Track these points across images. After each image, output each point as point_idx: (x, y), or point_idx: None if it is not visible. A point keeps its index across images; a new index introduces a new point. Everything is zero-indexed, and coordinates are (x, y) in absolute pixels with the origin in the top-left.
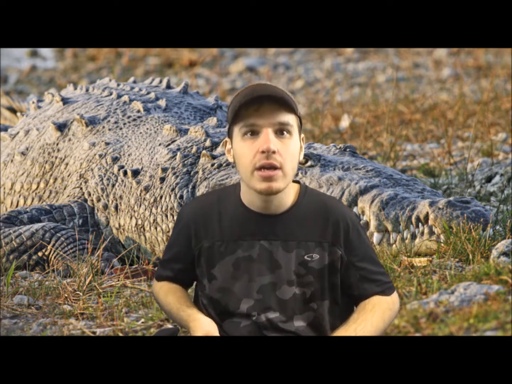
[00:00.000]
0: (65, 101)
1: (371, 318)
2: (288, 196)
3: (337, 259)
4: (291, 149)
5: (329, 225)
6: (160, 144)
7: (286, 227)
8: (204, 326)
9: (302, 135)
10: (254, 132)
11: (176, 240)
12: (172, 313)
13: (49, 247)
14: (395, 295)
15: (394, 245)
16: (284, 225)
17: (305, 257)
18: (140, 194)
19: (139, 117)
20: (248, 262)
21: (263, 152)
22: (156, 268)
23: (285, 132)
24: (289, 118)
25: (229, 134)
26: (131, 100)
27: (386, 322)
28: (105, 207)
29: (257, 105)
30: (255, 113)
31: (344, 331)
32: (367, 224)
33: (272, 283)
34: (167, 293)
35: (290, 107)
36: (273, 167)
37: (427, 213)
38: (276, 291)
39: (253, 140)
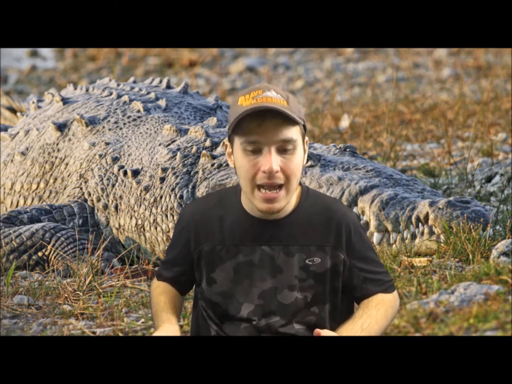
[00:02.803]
0: (65, 101)
1: (376, 315)
2: (290, 200)
3: (339, 262)
4: (294, 164)
5: (331, 229)
6: (160, 144)
7: (288, 232)
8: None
9: (306, 139)
10: (256, 150)
11: (177, 241)
12: (154, 311)
13: (49, 247)
14: (395, 293)
15: (394, 245)
16: (285, 230)
17: (306, 261)
18: (140, 194)
19: (139, 117)
20: (249, 267)
21: (265, 172)
22: (156, 268)
23: (288, 149)
24: (293, 133)
25: (230, 140)
26: (131, 100)
27: (389, 319)
28: (105, 207)
29: (260, 120)
30: (258, 129)
31: (351, 326)
32: (367, 224)
33: (273, 288)
34: (162, 292)
35: (294, 121)
36: (276, 186)
37: (427, 213)
38: (277, 296)
39: (255, 157)
